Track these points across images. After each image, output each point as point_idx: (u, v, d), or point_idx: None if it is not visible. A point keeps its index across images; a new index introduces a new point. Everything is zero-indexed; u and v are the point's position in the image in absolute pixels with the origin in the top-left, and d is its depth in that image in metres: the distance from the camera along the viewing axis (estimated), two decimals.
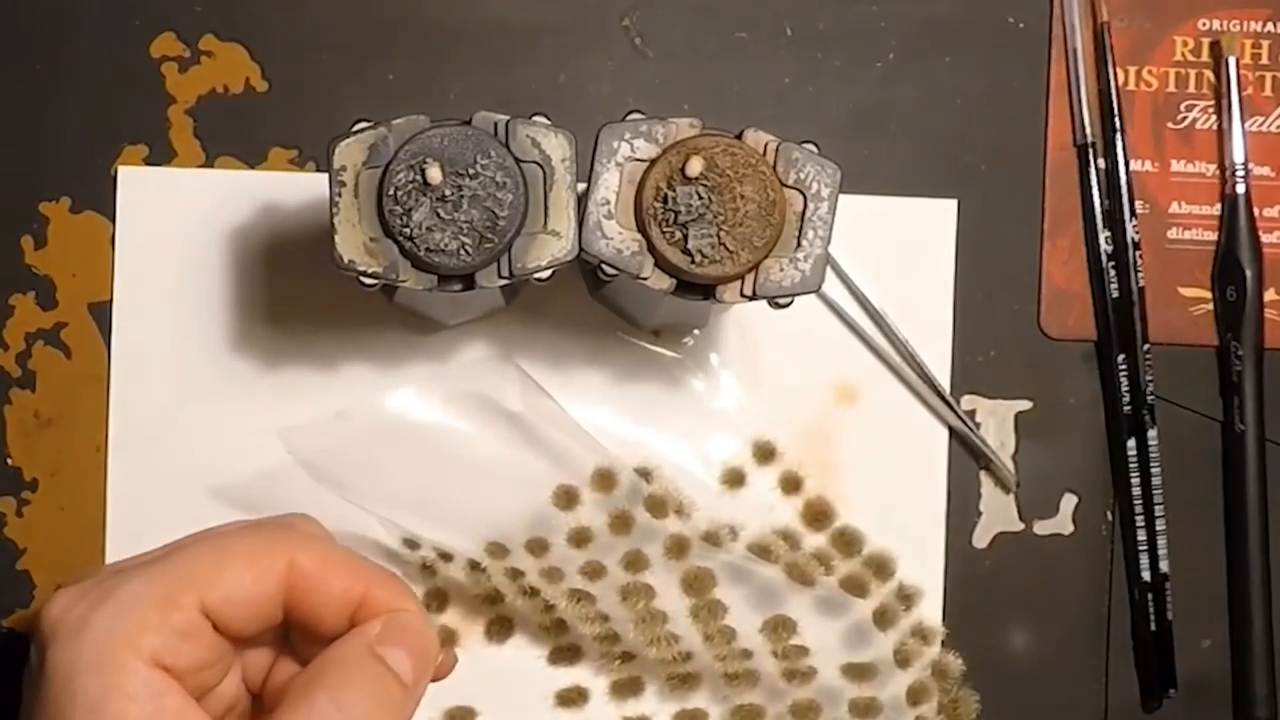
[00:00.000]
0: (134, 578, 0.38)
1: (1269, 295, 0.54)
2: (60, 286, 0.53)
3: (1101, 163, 0.54)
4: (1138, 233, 0.54)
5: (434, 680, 0.42)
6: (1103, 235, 0.54)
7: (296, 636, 0.42)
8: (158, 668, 0.37)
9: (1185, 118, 0.55)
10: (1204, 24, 0.55)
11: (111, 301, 0.53)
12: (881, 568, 0.52)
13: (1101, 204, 0.54)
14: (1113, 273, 0.54)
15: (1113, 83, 0.54)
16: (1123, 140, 0.54)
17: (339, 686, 0.39)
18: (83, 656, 0.37)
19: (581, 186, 0.43)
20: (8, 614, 0.53)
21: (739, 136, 0.43)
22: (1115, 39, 0.55)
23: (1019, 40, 0.55)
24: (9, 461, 0.53)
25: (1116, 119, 0.54)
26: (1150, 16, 0.55)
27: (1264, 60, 0.55)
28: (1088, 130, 0.54)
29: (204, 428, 0.53)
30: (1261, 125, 0.55)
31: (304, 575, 0.40)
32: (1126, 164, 0.54)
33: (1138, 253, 0.54)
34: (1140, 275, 0.54)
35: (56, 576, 0.53)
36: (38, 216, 0.53)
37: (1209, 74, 0.55)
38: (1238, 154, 0.54)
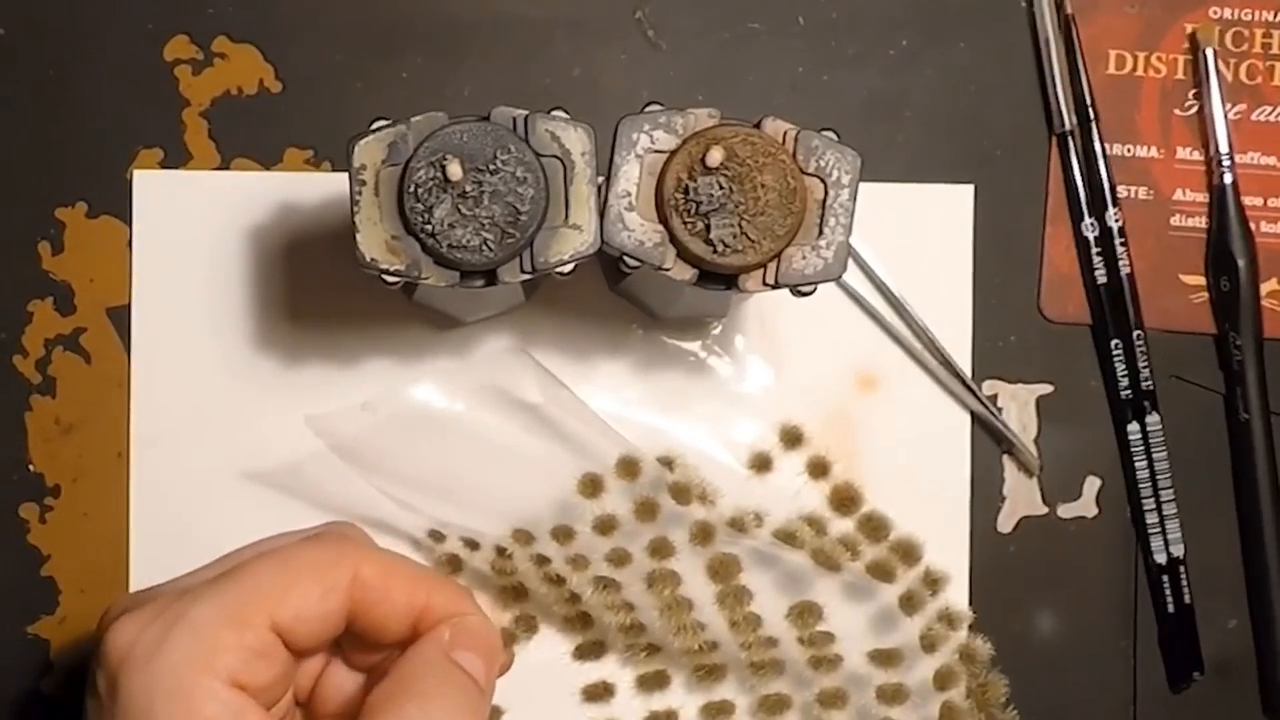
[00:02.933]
0: (204, 599, 0.38)
1: (1270, 285, 0.54)
2: (78, 292, 0.53)
3: (1099, 148, 0.54)
4: (1119, 220, 0.54)
5: (499, 675, 0.43)
6: (1087, 222, 0.54)
7: (350, 644, 0.42)
8: (235, 688, 0.37)
9: (1193, 105, 0.55)
10: (1215, 11, 0.55)
11: (130, 306, 0.53)
12: (908, 553, 0.52)
13: (1085, 191, 0.54)
14: (1099, 259, 0.54)
15: (1082, 73, 0.54)
16: (1097, 129, 0.54)
17: (427, 696, 0.39)
18: (161, 683, 0.37)
19: (601, 180, 0.43)
20: (33, 621, 0.53)
21: (757, 125, 0.43)
22: (1126, 24, 0.55)
23: (1032, 25, 0.55)
24: (31, 468, 0.53)
25: (1090, 109, 0.54)
26: (1161, 3, 0.55)
27: (1274, 50, 0.55)
28: (1065, 119, 0.54)
29: (226, 430, 0.53)
30: (1271, 115, 0.55)
31: (368, 587, 0.40)
32: (1104, 152, 0.54)
33: (1121, 240, 0.54)
34: (1125, 262, 0.54)
35: (80, 583, 0.53)
36: (54, 222, 0.53)
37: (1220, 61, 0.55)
38: (1221, 144, 0.54)
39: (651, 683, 0.53)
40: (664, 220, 0.43)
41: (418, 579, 0.41)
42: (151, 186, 0.53)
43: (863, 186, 0.43)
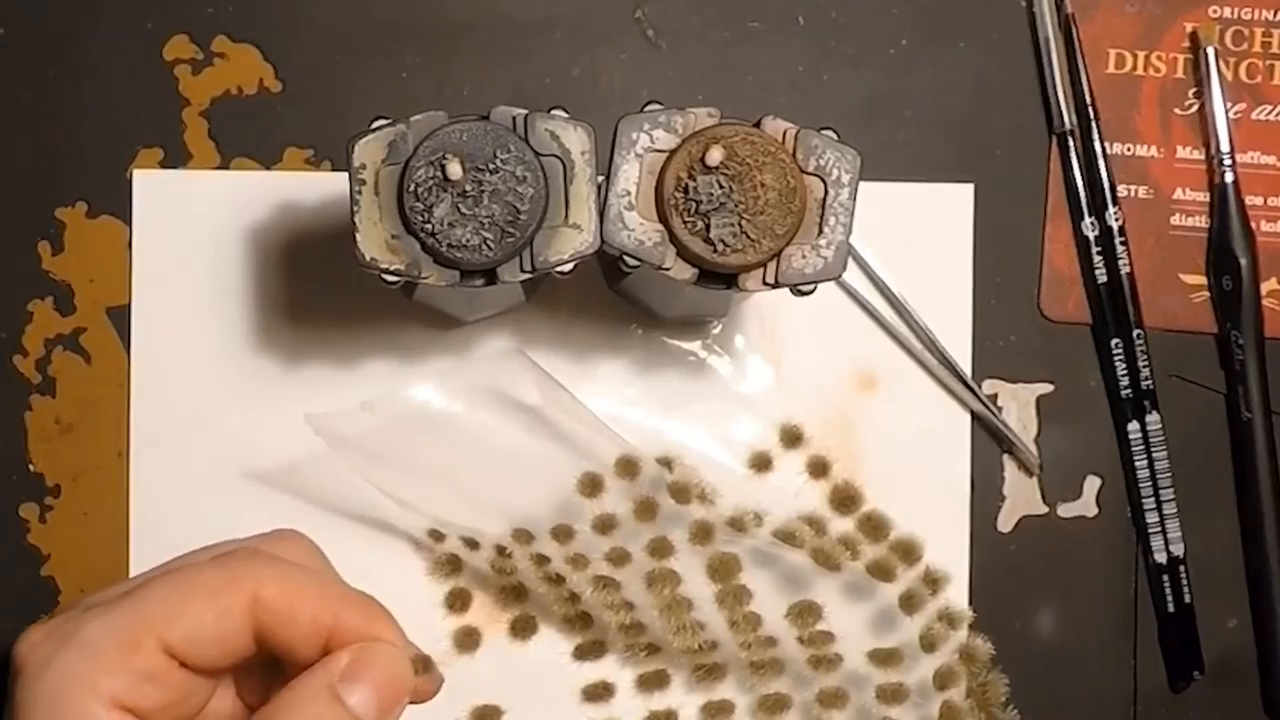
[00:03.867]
0: (96, 618, 0.38)
1: (1270, 284, 0.55)
2: (78, 292, 0.53)
3: (1099, 147, 0.54)
4: (1119, 219, 0.54)
5: (415, 703, 0.41)
6: (1087, 221, 0.54)
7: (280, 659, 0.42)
8: (120, 709, 0.37)
9: (1193, 104, 0.55)
10: (1215, 10, 0.55)
11: (130, 305, 0.53)
12: (908, 552, 0.52)
13: (1085, 191, 0.54)
14: (1099, 258, 0.54)
15: (1082, 72, 0.54)
16: (1097, 128, 0.54)
17: None
18: (42, 699, 0.37)
19: (601, 179, 0.43)
20: (33, 621, 0.53)
21: (757, 125, 0.43)
22: (1126, 23, 0.55)
23: (1032, 25, 0.55)
24: (31, 468, 0.53)
25: (1090, 108, 0.54)
26: (1161, 2, 0.55)
27: (1274, 49, 0.55)
28: (1065, 119, 0.54)
29: (226, 430, 0.53)
30: (1270, 114, 0.55)
31: (270, 609, 0.39)
32: (1104, 152, 0.54)
33: (1122, 239, 0.54)
34: (1125, 261, 0.54)
35: (80, 583, 0.53)
36: (54, 222, 0.53)
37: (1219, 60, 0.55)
38: (1222, 143, 0.54)
39: (651, 682, 0.53)
40: (664, 220, 0.43)
41: (327, 598, 0.40)
42: (151, 186, 0.53)
43: (863, 186, 0.43)
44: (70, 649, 0.38)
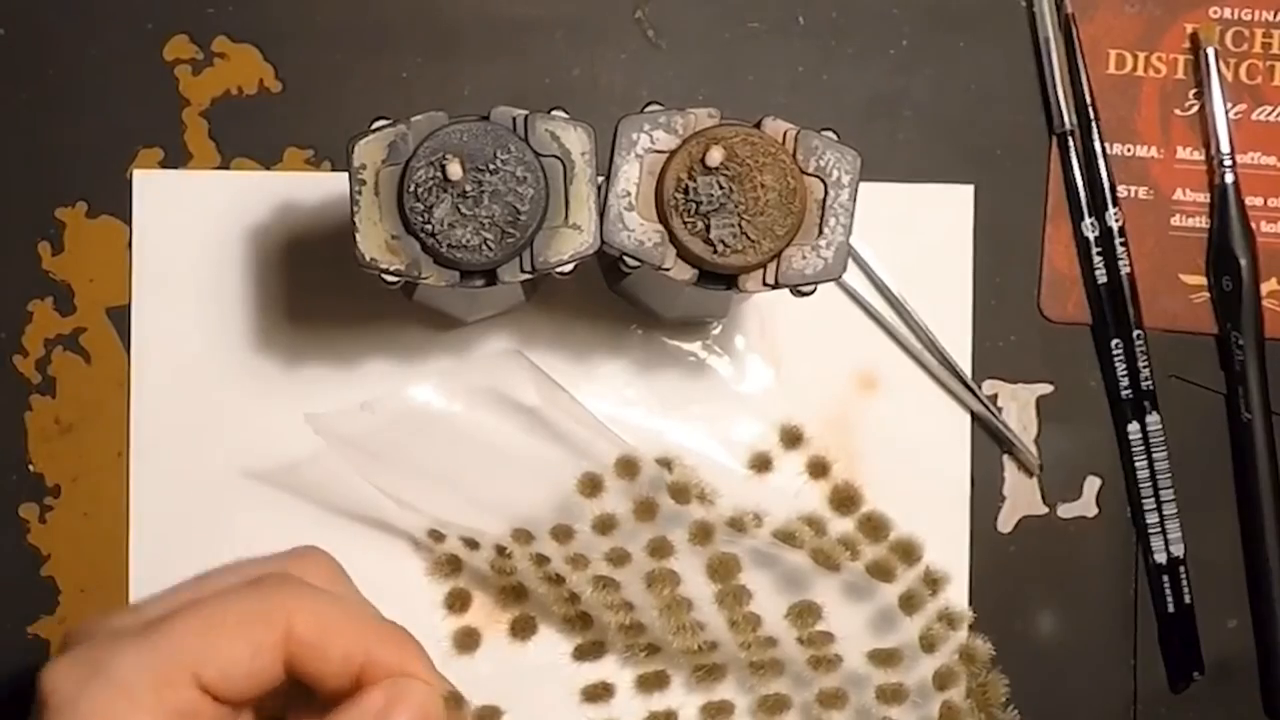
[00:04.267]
0: (126, 652, 0.37)
1: (1270, 285, 0.55)
2: (78, 292, 0.53)
3: (1099, 147, 0.54)
4: (1120, 220, 0.54)
5: None
6: (1087, 221, 0.54)
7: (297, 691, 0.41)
8: None
9: (1193, 105, 0.55)
10: (1215, 11, 0.55)
11: (130, 306, 0.53)
12: (908, 552, 0.52)
13: (1085, 191, 0.54)
14: (1099, 259, 0.54)
15: (1082, 73, 0.54)
16: (1097, 129, 0.54)
17: None
18: None
19: (601, 180, 0.43)
20: (33, 621, 0.53)
21: (757, 125, 0.43)
22: (1126, 23, 0.55)
23: (1032, 25, 0.55)
24: (31, 468, 0.53)
25: (1090, 108, 0.54)
26: (1161, 3, 0.55)
27: (1274, 49, 0.55)
28: (1065, 119, 0.54)
29: (226, 430, 0.53)
30: (1271, 115, 0.55)
31: (303, 643, 0.39)
32: (1104, 152, 0.54)
33: (1122, 239, 0.54)
34: (1125, 262, 0.54)
35: (80, 583, 0.53)
36: (54, 222, 0.53)
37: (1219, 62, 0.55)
38: (1222, 144, 0.54)
39: (651, 683, 0.53)
40: (664, 220, 0.43)
41: (359, 633, 0.40)
42: (151, 186, 0.53)
43: (863, 186, 0.43)
44: (100, 685, 0.37)
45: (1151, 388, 0.54)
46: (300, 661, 0.39)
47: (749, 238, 0.42)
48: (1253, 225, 0.54)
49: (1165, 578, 0.54)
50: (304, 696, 0.41)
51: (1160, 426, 0.54)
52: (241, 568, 0.43)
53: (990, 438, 0.54)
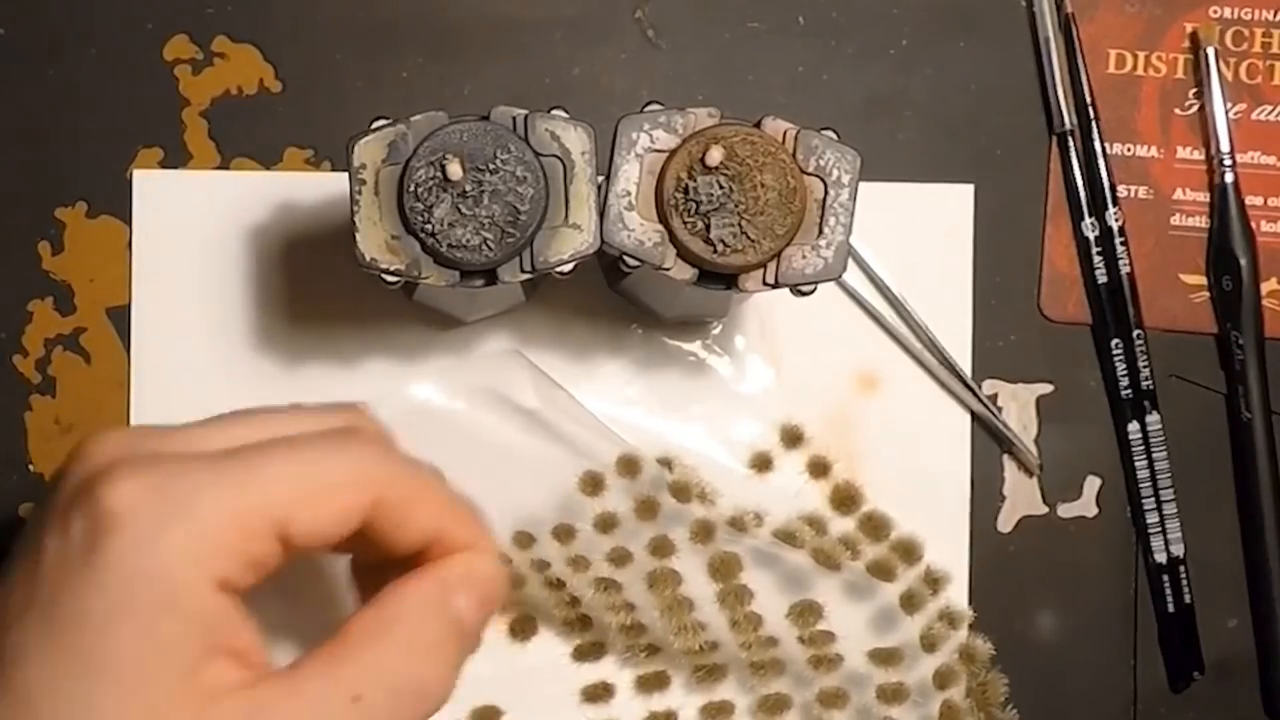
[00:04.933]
0: (207, 490, 0.35)
1: (1270, 285, 0.55)
2: (78, 292, 0.53)
3: (1099, 147, 0.54)
4: (1119, 219, 0.54)
5: None
6: (1087, 221, 0.54)
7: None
8: (222, 591, 0.35)
9: (1193, 104, 0.55)
10: (1215, 11, 0.55)
11: (130, 306, 0.53)
12: (909, 551, 0.52)
13: (1085, 191, 0.54)
14: (1099, 259, 0.54)
15: (1082, 72, 0.54)
16: (1097, 128, 0.54)
17: (413, 646, 0.37)
18: (150, 568, 0.34)
19: (601, 179, 0.43)
20: None
21: (757, 125, 0.43)
22: (1126, 23, 0.55)
23: (1032, 25, 0.55)
24: (31, 468, 0.53)
25: (1090, 108, 0.54)
26: (1161, 2, 0.55)
27: (1274, 49, 0.55)
28: (1065, 119, 0.54)
29: None
30: (1270, 114, 0.55)
31: (388, 512, 0.37)
32: (1104, 152, 0.54)
33: (1122, 239, 0.54)
34: (1125, 262, 0.54)
35: None
36: (54, 222, 0.53)
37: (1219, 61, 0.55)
38: (1222, 143, 0.54)
39: (651, 683, 0.53)
40: (664, 220, 0.43)
41: (440, 506, 0.39)
42: (151, 186, 0.53)
43: (863, 186, 0.43)
44: (181, 524, 0.34)
45: (1151, 387, 0.54)
46: (378, 526, 0.38)
47: (749, 237, 0.42)
48: (1253, 225, 0.54)
49: (1165, 577, 0.54)
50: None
51: (1160, 426, 0.54)
52: (303, 413, 0.40)
53: (990, 438, 0.54)
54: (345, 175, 0.42)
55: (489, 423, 0.53)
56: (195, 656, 0.34)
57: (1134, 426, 0.54)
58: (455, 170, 0.41)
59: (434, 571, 0.38)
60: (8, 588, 0.35)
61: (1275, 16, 0.55)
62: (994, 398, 0.54)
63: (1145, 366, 0.54)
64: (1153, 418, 0.54)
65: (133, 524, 0.34)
